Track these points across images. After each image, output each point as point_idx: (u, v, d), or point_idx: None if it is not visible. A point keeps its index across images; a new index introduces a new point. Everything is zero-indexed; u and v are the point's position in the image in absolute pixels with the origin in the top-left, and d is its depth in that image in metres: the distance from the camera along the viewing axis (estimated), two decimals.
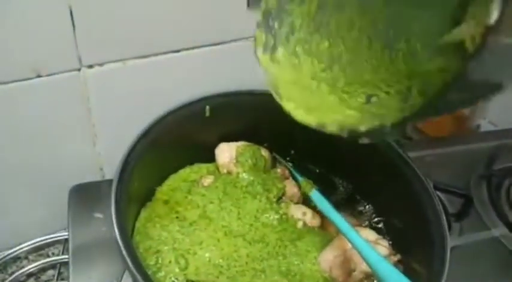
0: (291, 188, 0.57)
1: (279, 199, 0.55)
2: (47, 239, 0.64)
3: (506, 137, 0.83)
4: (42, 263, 0.62)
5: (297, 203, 0.56)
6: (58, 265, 0.62)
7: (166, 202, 0.53)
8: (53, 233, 0.65)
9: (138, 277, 0.35)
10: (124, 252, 0.36)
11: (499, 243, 0.62)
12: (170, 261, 0.46)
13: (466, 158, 0.78)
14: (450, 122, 0.92)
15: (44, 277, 0.63)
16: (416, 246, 0.49)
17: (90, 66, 0.54)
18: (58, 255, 0.64)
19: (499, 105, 0.87)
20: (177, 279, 0.45)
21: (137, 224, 0.50)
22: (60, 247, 0.64)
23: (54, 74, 0.52)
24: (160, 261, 0.45)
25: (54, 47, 0.50)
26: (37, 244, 0.64)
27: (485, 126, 0.95)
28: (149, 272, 0.44)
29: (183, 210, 0.51)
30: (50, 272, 0.63)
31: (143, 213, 0.51)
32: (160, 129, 0.50)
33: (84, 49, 0.52)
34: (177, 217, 0.50)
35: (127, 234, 0.40)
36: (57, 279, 0.61)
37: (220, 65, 0.62)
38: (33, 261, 0.64)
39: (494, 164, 0.73)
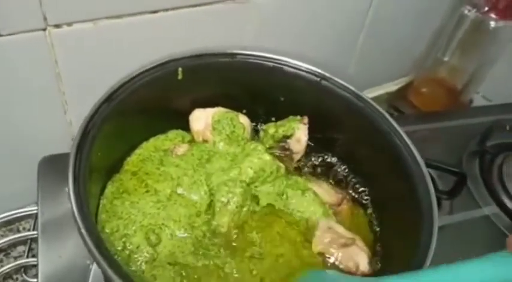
0: None
1: None
2: (17, 213, 0.60)
3: (500, 112, 0.81)
4: (12, 239, 0.58)
5: None
6: (29, 241, 0.59)
7: (134, 174, 0.48)
8: (24, 207, 0.61)
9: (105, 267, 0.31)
10: (90, 245, 0.32)
11: (490, 222, 0.61)
12: (138, 247, 0.42)
13: (459, 133, 0.77)
14: (443, 96, 0.90)
15: (14, 253, 0.60)
16: (403, 220, 0.47)
17: (57, 26, 0.48)
18: (29, 230, 0.60)
19: (492, 79, 0.85)
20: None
21: (103, 201, 0.45)
22: (32, 222, 0.61)
23: (16, 33, 0.47)
24: (129, 247, 0.42)
25: (16, 2, 0.44)
26: (6, 218, 0.60)
27: (479, 100, 0.93)
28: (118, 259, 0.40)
29: (153, 182, 0.47)
30: (21, 248, 0.60)
31: (110, 188, 0.47)
32: (127, 93, 0.46)
33: (49, 6, 0.46)
34: (147, 191, 0.47)
35: (89, 214, 0.36)
36: (27, 256, 0.57)
37: (202, 28, 0.57)
38: (3, 236, 0.60)
39: (487, 140, 0.71)
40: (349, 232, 0.47)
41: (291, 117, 0.54)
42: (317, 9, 0.68)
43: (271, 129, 0.54)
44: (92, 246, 0.32)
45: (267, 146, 0.53)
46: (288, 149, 0.54)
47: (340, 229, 0.47)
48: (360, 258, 0.45)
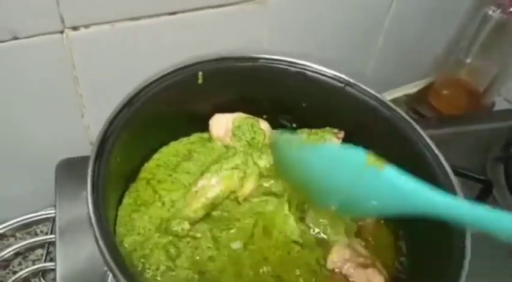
0: None
1: None
2: (34, 217, 0.60)
3: None
4: (30, 242, 0.58)
5: None
6: (47, 244, 0.59)
7: (148, 182, 0.47)
8: (42, 210, 0.61)
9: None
10: (107, 257, 0.31)
11: None
12: (158, 268, 0.40)
13: (481, 137, 0.74)
14: (464, 99, 0.87)
15: (32, 256, 0.59)
16: (433, 237, 0.45)
17: (75, 28, 0.48)
18: (47, 233, 0.60)
19: None
20: None
21: (121, 212, 0.44)
22: (49, 225, 0.61)
23: (33, 36, 0.46)
24: (148, 267, 0.40)
25: (33, 4, 0.44)
26: (25, 221, 0.60)
27: (501, 103, 0.90)
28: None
29: (166, 193, 0.46)
30: (39, 252, 0.59)
31: (127, 199, 0.45)
32: (147, 97, 0.44)
33: (67, 8, 0.46)
34: (163, 204, 0.45)
35: (107, 224, 0.35)
36: (45, 260, 0.57)
37: (220, 30, 0.56)
38: (21, 239, 0.60)
39: None
40: (369, 253, 0.46)
41: (327, 128, 0.53)
42: (336, 9, 0.66)
43: (303, 134, 0.52)
44: (110, 258, 0.31)
45: None
46: None
47: (361, 248, 0.45)
48: (376, 280, 0.43)
